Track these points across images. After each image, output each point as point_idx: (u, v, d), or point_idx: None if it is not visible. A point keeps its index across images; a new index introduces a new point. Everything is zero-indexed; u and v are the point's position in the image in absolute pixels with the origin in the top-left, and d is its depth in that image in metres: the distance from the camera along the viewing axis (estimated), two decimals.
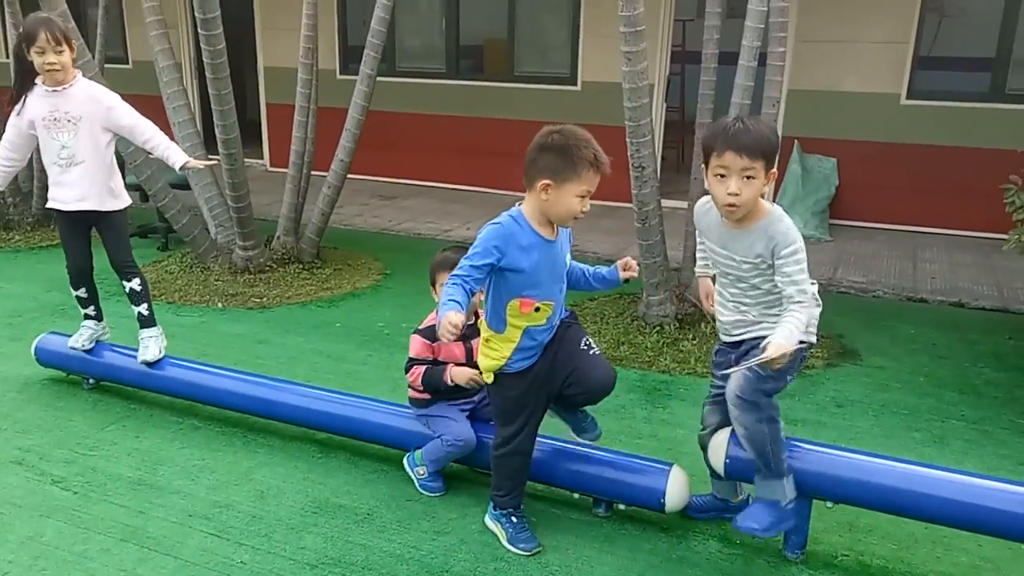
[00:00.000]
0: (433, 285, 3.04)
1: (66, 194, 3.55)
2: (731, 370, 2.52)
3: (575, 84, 8.00)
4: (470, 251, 2.49)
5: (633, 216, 4.55)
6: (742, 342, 2.63)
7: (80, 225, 3.65)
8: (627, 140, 4.37)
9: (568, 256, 2.66)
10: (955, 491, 2.50)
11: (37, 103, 3.46)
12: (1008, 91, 6.70)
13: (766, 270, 2.48)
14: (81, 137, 3.48)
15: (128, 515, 2.91)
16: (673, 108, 8.95)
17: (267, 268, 5.61)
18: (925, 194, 7.01)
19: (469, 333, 2.99)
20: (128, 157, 5.51)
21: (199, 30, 5.09)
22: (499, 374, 2.63)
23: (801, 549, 2.71)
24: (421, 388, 3.02)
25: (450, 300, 2.33)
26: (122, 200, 3.67)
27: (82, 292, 3.79)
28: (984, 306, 5.33)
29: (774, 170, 2.43)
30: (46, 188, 6.65)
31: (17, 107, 3.50)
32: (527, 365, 2.60)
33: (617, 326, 4.70)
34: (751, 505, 2.68)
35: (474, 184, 8.62)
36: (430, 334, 3.00)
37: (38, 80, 3.45)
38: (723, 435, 2.74)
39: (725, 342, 2.71)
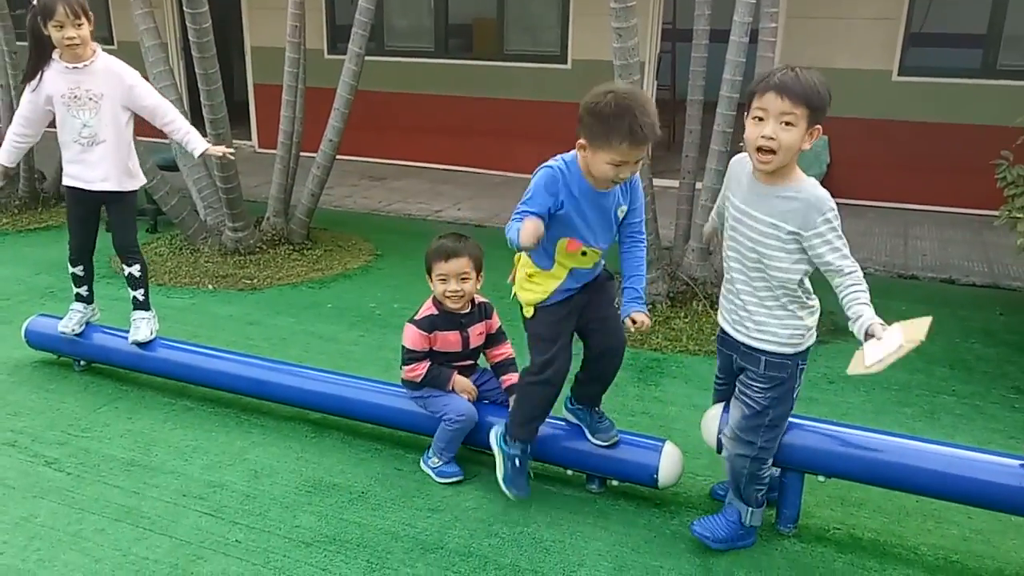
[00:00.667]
0: (429, 274, 2.98)
1: (88, 173, 3.48)
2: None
3: (565, 63, 7.94)
4: (524, 196, 2.49)
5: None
6: (740, 344, 2.51)
7: (94, 204, 3.60)
8: None
9: (621, 211, 2.59)
10: (945, 464, 2.52)
11: (56, 79, 3.36)
12: (999, 67, 6.70)
13: (787, 243, 2.31)
14: (103, 115, 3.40)
15: (122, 495, 2.90)
16: (664, 87, 8.92)
17: (257, 249, 5.58)
18: (916, 171, 7.02)
19: (465, 321, 2.99)
20: None
21: (185, 9, 5.03)
22: (538, 307, 2.67)
23: (794, 523, 2.74)
24: (417, 384, 3.00)
25: (515, 223, 2.40)
26: (138, 180, 3.63)
27: (79, 270, 3.74)
28: (975, 282, 5.35)
29: (819, 127, 2.27)
30: (32, 170, 6.68)
31: (33, 83, 3.39)
32: (565, 297, 2.66)
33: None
34: (714, 515, 2.66)
35: (464, 164, 8.58)
36: (426, 325, 2.97)
37: (55, 55, 3.35)
38: (715, 410, 2.75)
39: (725, 332, 2.58)
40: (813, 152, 7.12)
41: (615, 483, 2.93)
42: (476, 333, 3.03)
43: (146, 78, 5.40)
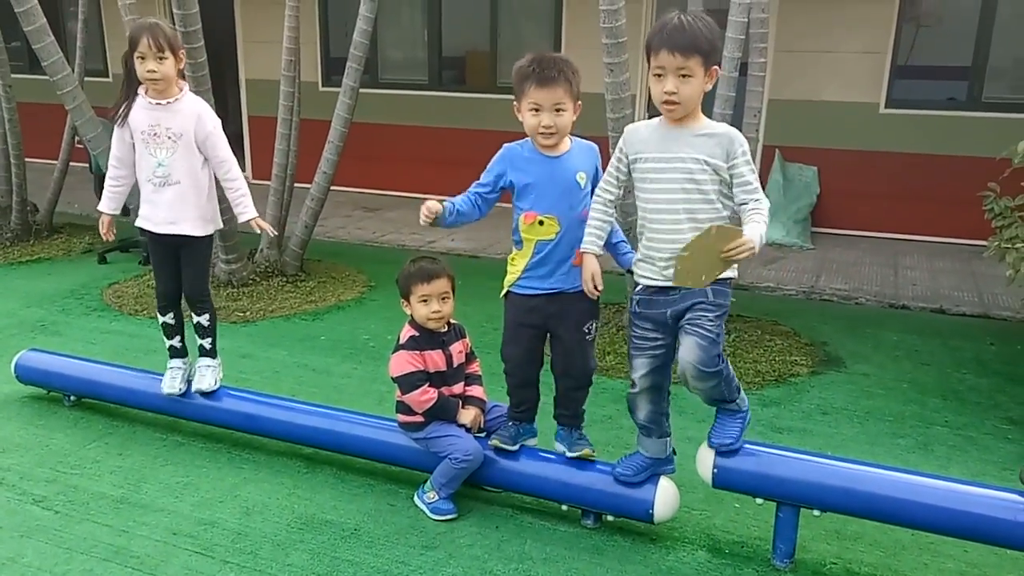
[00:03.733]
0: (407, 298, 3.00)
1: (156, 215, 3.34)
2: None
3: None
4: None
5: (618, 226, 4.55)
6: (679, 289, 2.51)
7: (168, 247, 3.44)
8: (610, 150, 4.37)
9: (582, 176, 2.77)
10: (940, 498, 2.51)
11: (138, 114, 3.26)
12: (984, 99, 6.79)
13: (712, 171, 2.45)
14: (179, 156, 3.26)
15: (111, 534, 2.87)
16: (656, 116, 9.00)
17: (250, 281, 5.57)
18: (905, 202, 7.08)
19: (446, 339, 3.00)
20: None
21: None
22: (508, 292, 2.88)
23: (790, 558, 2.72)
24: (420, 412, 2.97)
25: (448, 200, 2.77)
26: (213, 224, 3.44)
27: (169, 318, 3.55)
28: (965, 312, 5.38)
29: (716, 67, 2.46)
30: (24, 202, 6.67)
31: (120, 118, 3.31)
32: (532, 292, 2.82)
33: (603, 336, 4.70)
34: (719, 423, 2.69)
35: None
36: (412, 345, 2.98)
37: (140, 90, 3.25)
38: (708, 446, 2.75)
39: (655, 287, 2.57)
40: (803, 183, 7.19)
41: (611, 518, 2.91)
42: (457, 351, 3.05)
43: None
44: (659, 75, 2.44)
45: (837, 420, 3.82)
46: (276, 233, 3.40)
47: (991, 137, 6.62)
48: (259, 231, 3.40)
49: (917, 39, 7.02)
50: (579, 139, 2.87)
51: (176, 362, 3.57)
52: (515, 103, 2.78)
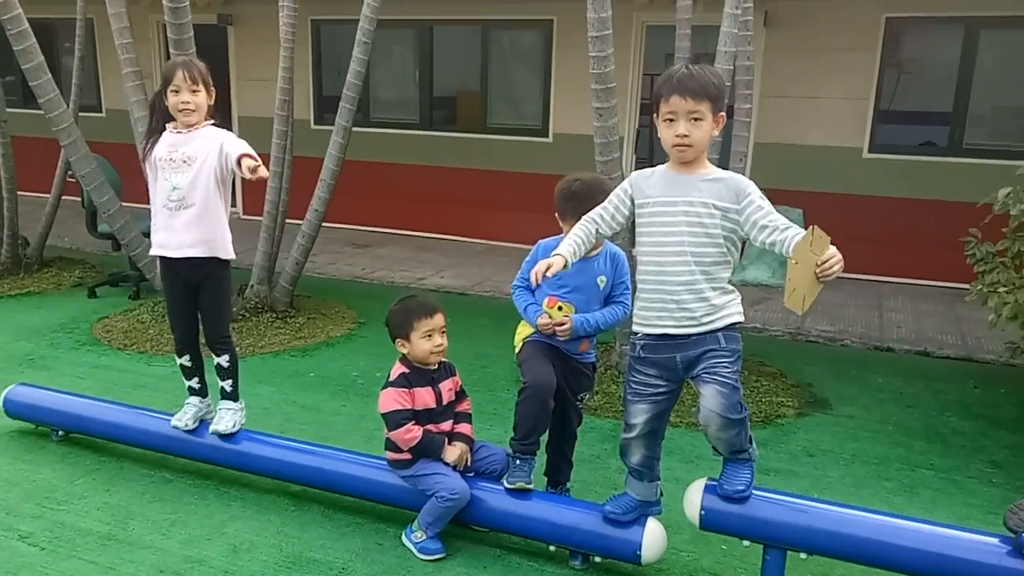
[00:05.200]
0: (406, 336, 3.00)
1: (173, 239, 3.30)
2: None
3: (547, 136, 8.15)
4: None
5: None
6: (690, 336, 2.54)
7: (185, 283, 3.38)
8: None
9: (602, 280, 3.03)
10: (927, 542, 2.53)
11: (159, 145, 3.30)
12: (965, 146, 6.95)
13: (720, 216, 2.46)
14: (193, 179, 3.25)
15: (97, 572, 2.84)
16: (643, 159, 9.13)
17: (240, 317, 5.58)
18: (888, 244, 7.19)
19: (437, 377, 3.04)
20: (100, 206, 5.52)
21: None
22: (524, 341, 3.12)
23: None
24: (406, 449, 2.98)
25: (528, 306, 3.06)
26: (227, 252, 3.37)
27: (186, 360, 3.51)
28: (949, 355, 5.45)
29: (722, 114, 2.50)
30: (15, 236, 6.68)
31: (145, 153, 3.34)
32: (538, 339, 3.08)
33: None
34: (729, 472, 2.68)
35: (447, 232, 8.69)
36: (402, 382, 3.01)
37: (168, 125, 3.31)
38: (698, 484, 2.77)
39: (663, 336, 2.56)
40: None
41: (598, 560, 2.91)
42: (447, 389, 3.07)
43: (133, 146, 5.56)
44: (671, 120, 2.48)
45: (823, 462, 3.85)
46: (263, 174, 3.20)
47: (971, 182, 6.76)
48: (250, 176, 3.09)
49: (899, 85, 7.20)
50: (611, 244, 3.08)
51: (193, 399, 3.55)
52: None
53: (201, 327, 3.49)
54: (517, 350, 3.14)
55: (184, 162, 3.25)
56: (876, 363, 5.28)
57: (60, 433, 3.83)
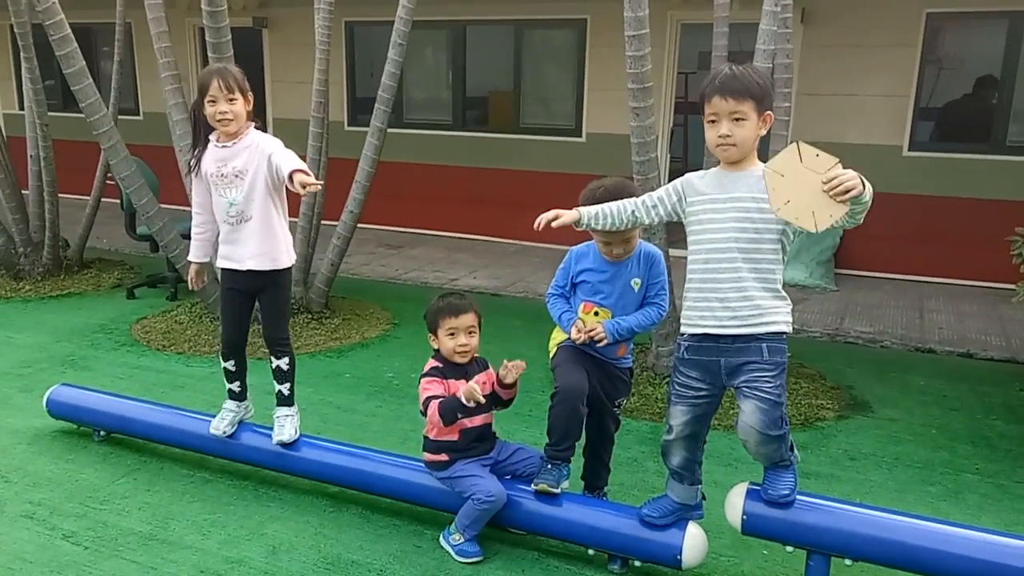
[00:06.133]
0: (434, 332, 3.05)
1: (238, 252, 3.33)
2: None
3: (580, 136, 8.11)
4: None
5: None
6: (736, 337, 2.49)
7: (246, 291, 3.42)
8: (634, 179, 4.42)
9: (636, 282, 2.96)
10: (975, 549, 2.48)
11: (208, 158, 3.29)
12: (1008, 143, 6.79)
13: (768, 207, 2.39)
14: (247, 192, 3.25)
15: (139, 571, 2.88)
16: (677, 158, 9.08)
17: None
18: (929, 244, 7.06)
19: (469, 371, 3.04)
20: (140, 208, 5.59)
21: None
22: (559, 346, 3.07)
23: None
24: (444, 426, 2.96)
25: (563, 314, 3.02)
26: (289, 258, 3.41)
27: (231, 365, 3.51)
28: (993, 356, 5.33)
29: (769, 112, 2.47)
30: (56, 237, 6.81)
31: (193, 166, 3.34)
32: (574, 344, 3.01)
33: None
34: (771, 477, 2.65)
35: (480, 233, 8.69)
36: (436, 373, 3.03)
37: (212, 136, 3.29)
38: (740, 488, 2.73)
39: (712, 335, 2.52)
40: None
41: (637, 563, 2.88)
42: (480, 382, 3.04)
43: (170, 148, 5.64)
44: (713, 121, 2.47)
45: (865, 466, 3.78)
46: (321, 183, 3.27)
47: (1015, 180, 6.63)
48: (302, 191, 3.04)
49: (940, 82, 7.05)
50: (646, 244, 3.02)
51: (231, 404, 3.55)
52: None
53: (262, 329, 3.50)
54: (552, 355, 3.10)
55: (236, 176, 3.25)
56: (917, 365, 5.17)
57: (101, 433, 3.88)
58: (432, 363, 3.08)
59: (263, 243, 3.32)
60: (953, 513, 3.33)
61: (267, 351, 3.51)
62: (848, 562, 2.63)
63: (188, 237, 5.80)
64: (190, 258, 3.54)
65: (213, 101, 3.18)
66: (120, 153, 5.48)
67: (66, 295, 6.48)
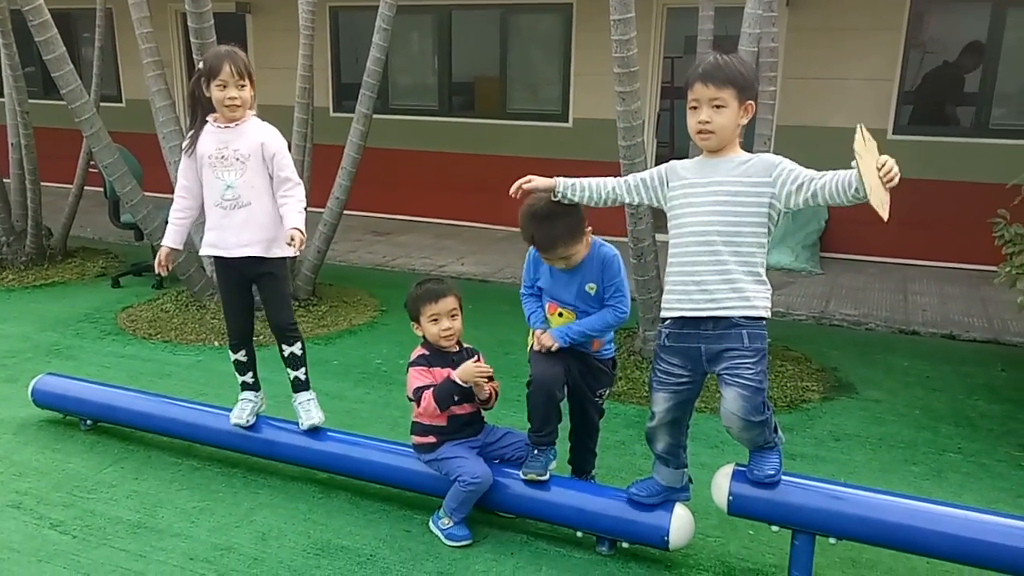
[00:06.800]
0: (416, 320, 3.06)
1: (227, 239, 3.25)
2: None
3: (566, 121, 8.10)
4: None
5: (629, 252, 4.59)
6: (714, 322, 2.49)
7: (240, 278, 3.36)
8: (622, 172, 4.43)
9: (592, 287, 2.92)
10: (957, 526, 2.51)
11: (205, 140, 3.22)
12: (991, 126, 6.83)
13: (753, 193, 2.43)
14: (248, 177, 3.20)
15: (128, 559, 2.88)
16: (663, 143, 9.08)
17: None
18: (913, 227, 7.10)
19: (457, 359, 3.04)
20: (123, 196, 5.55)
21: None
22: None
23: None
24: (439, 413, 2.97)
25: (531, 314, 3.05)
26: (287, 248, 3.25)
27: (241, 356, 3.47)
28: (975, 338, 5.38)
29: (751, 102, 2.47)
30: (39, 226, 6.74)
31: (187, 145, 3.26)
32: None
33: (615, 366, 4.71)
34: (757, 459, 2.66)
35: (467, 219, 8.68)
36: (422, 362, 3.04)
37: (209, 117, 3.23)
38: (726, 469, 2.76)
39: (690, 318, 2.52)
40: (812, 208, 7.19)
41: (625, 545, 2.91)
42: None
43: (153, 135, 5.59)
44: (694, 107, 2.48)
45: (850, 446, 3.82)
46: (298, 253, 3.26)
47: (997, 163, 6.67)
48: (289, 243, 3.10)
49: (924, 65, 7.08)
50: (603, 247, 2.94)
51: (248, 394, 3.50)
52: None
53: (268, 319, 3.42)
54: (529, 347, 3.07)
55: (237, 159, 3.19)
56: (901, 347, 5.22)
57: (88, 422, 3.87)
58: (419, 351, 3.09)
59: (260, 230, 3.25)
60: (935, 491, 3.37)
61: (275, 341, 3.44)
62: (833, 541, 2.66)
63: None
64: (167, 243, 3.37)
65: (223, 85, 3.12)
66: (103, 140, 5.43)
67: (50, 284, 6.44)
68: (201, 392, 4.26)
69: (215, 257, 3.34)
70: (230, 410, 3.54)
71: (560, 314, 2.98)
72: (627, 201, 2.74)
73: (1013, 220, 4.43)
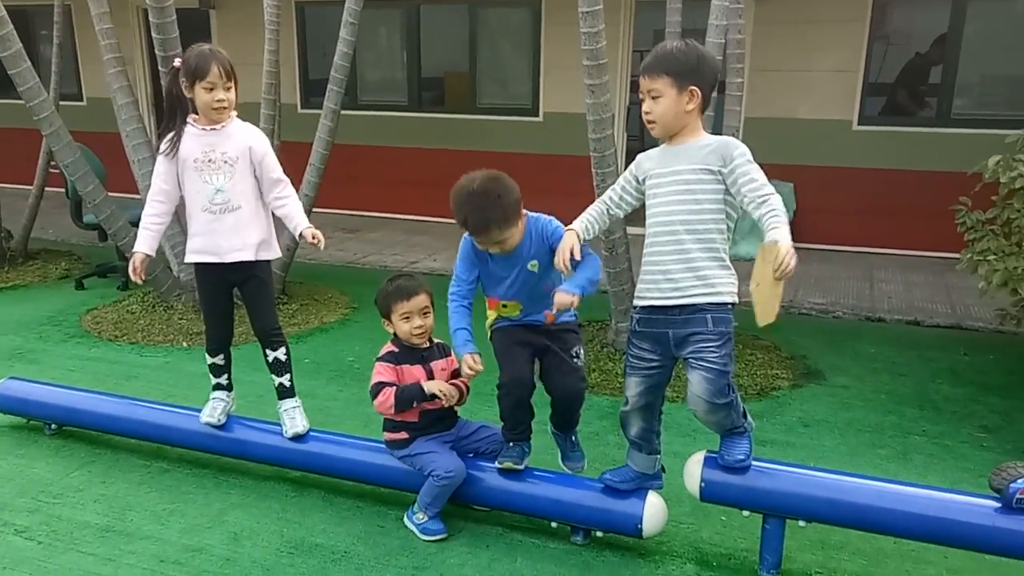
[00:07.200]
0: (387, 317, 3.04)
1: (220, 244, 3.16)
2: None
3: (537, 115, 8.10)
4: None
5: (601, 245, 4.61)
6: (680, 308, 2.52)
7: (225, 283, 3.29)
8: (592, 170, 4.45)
9: (534, 265, 2.84)
10: (921, 506, 2.56)
11: (188, 143, 3.11)
12: (953, 116, 6.95)
13: (712, 180, 2.46)
14: (237, 180, 3.12)
15: (97, 563, 2.84)
16: (634, 137, 9.10)
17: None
18: (878, 216, 7.21)
19: (427, 355, 3.03)
20: (85, 196, 5.45)
21: (160, 67, 5.08)
22: (492, 328, 3.01)
23: (776, 568, 2.75)
24: (392, 413, 2.98)
25: (458, 331, 2.89)
26: (274, 251, 3.29)
27: (219, 359, 3.43)
28: (939, 323, 5.48)
29: (693, 87, 2.46)
30: None
31: (166, 148, 3.13)
32: (507, 325, 2.97)
33: (587, 353, 4.72)
34: (728, 444, 2.68)
35: (438, 215, 8.63)
36: (390, 359, 3.03)
37: (190, 118, 3.14)
38: (698, 456, 2.79)
39: (657, 307, 2.56)
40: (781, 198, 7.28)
41: (599, 534, 2.93)
42: (439, 368, 3.06)
43: (116, 134, 5.49)
44: (642, 99, 2.56)
45: (818, 432, 3.88)
46: (321, 242, 3.19)
47: (959, 152, 6.77)
48: (313, 242, 3.11)
49: (888, 57, 7.18)
50: (539, 220, 2.86)
51: (220, 394, 3.45)
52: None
53: (251, 324, 3.38)
54: (488, 336, 3.01)
55: (225, 162, 3.11)
56: (868, 333, 5.30)
57: (53, 427, 3.80)
58: (388, 347, 3.07)
59: (252, 234, 3.19)
60: (901, 473, 3.43)
61: (260, 345, 3.40)
62: (803, 524, 2.70)
63: (138, 225, 5.72)
64: (140, 248, 3.21)
65: (211, 88, 3.03)
66: (63, 139, 5.33)
67: (11, 287, 6.31)
68: (169, 393, 4.20)
69: (202, 263, 3.24)
70: (199, 411, 3.50)
71: (504, 306, 2.93)
72: (624, 213, 2.75)
73: (974, 207, 4.51)
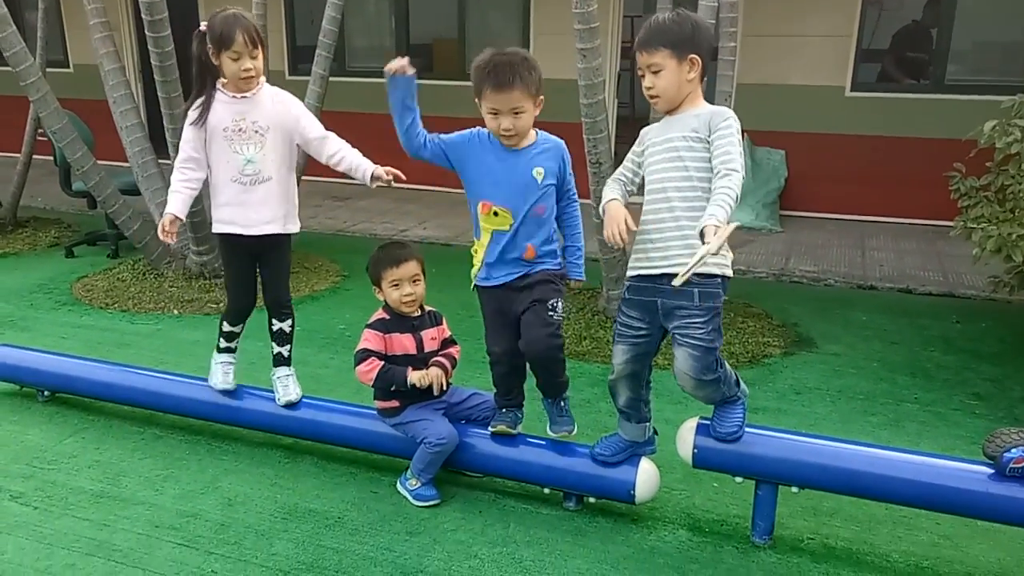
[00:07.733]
0: (378, 284, 3.03)
1: (249, 216, 3.11)
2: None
3: None
4: None
5: (592, 212, 4.58)
6: (670, 276, 2.40)
7: (250, 255, 3.24)
8: (584, 136, 4.41)
9: (539, 172, 2.77)
10: (913, 472, 2.58)
11: (219, 110, 3.04)
12: (947, 82, 6.92)
13: (700, 148, 2.44)
14: (268, 150, 3.07)
15: (92, 528, 2.84)
16: (624, 104, 9.05)
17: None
18: (871, 184, 7.20)
19: (419, 324, 3.03)
20: (74, 163, 5.38)
21: (147, 32, 4.99)
22: (476, 287, 2.94)
23: (769, 535, 2.78)
24: (371, 385, 2.99)
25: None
26: (297, 223, 3.27)
27: (238, 328, 3.40)
28: (931, 291, 5.50)
29: (694, 56, 2.45)
30: None
31: (195, 116, 3.06)
32: (490, 284, 2.88)
33: (579, 321, 4.73)
34: (720, 414, 2.69)
35: (429, 183, 8.56)
36: (380, 326, 3.01)
37: (219, 84, 3.06)
38: (691, 423, 2.80)
39: (646, 275, 2.56)
40: (771, 166, 7.27)
41: (592, 500, 2.94)
42: (429, 337, 3.05)
43: (104, 102, 5.41)
44: (642, 75, 2.53)
45: (810, 399, 3.90)
46: (394, 176, 3.25)
47: (953, 119, 6.75)
48: (388, 178, 3.15)
49: (881, 22, 7.12)
50: (547, 135, 2.86)
51: (227, 356, 3.41)
52: (475, 98, 2.76)
53: (264, 293, 3.34)
54: (472, 280, 2.94)
55: (256, 132, 3.05)
56: (860, 301, 5.32)
57: (46, 394, 3.79)
58: (379, 314, 3.06)
59: (279, 206, 3.15)
60: (893, 440, 3.46)
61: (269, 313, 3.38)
62: (795, 490, 2.72)
63: (127, 192, 5.66)
64: (171, 210, 3.08)
65: (237, 56, 2.95)
66: (50, 105, 5.25)
67: (1, 256, 6.25)
68: (161, 360, 4.19)
69: (228, 234, 3.19)
70: (192, 377, 3.50)
71: (495, 212, 2.78)
72: (637, 188, 2.71)
73: (968, 174, 4.50)
